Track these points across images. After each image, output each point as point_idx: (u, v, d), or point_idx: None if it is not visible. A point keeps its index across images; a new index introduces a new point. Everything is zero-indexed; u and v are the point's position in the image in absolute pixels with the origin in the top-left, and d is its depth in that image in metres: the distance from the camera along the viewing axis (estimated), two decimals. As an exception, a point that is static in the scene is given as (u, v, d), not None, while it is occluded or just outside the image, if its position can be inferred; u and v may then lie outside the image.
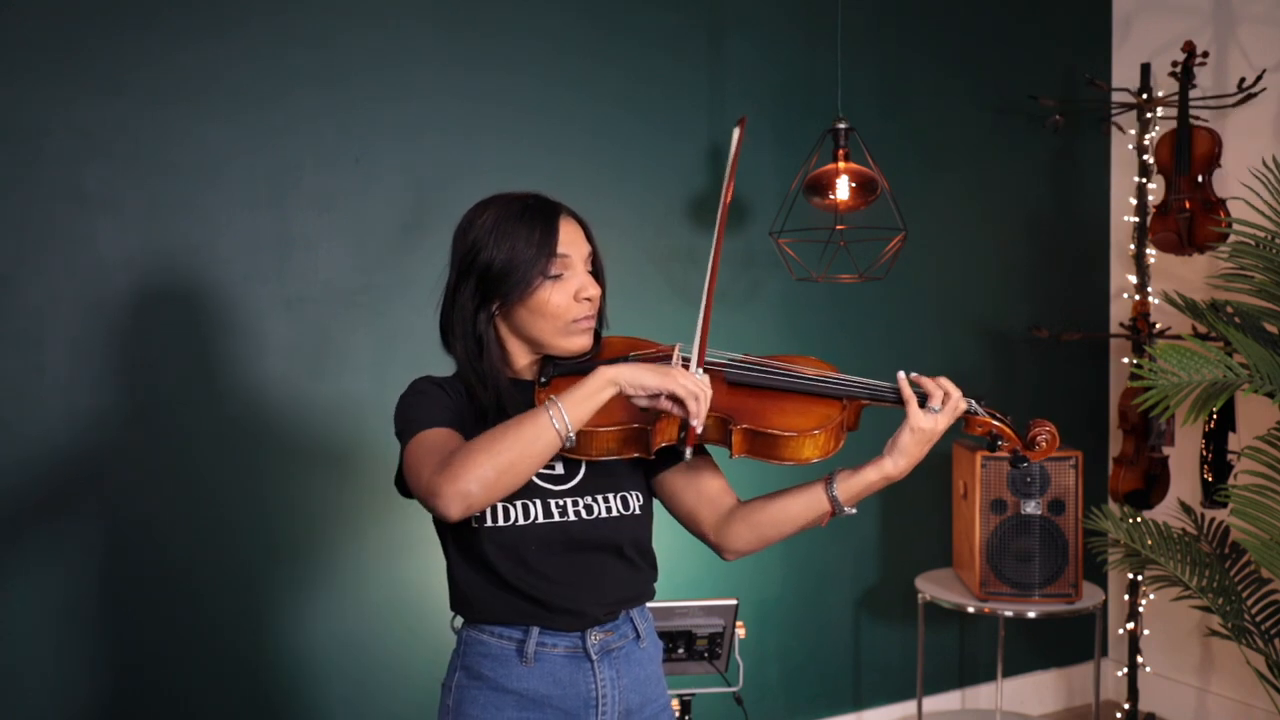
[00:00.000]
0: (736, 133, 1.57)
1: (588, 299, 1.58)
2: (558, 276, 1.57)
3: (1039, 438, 1.54)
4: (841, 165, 2.98)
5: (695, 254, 3.27)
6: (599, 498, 1.58)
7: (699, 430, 1.44)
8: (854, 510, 1.57)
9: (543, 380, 1.60)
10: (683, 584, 3.13)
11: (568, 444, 1.42)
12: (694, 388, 1.43)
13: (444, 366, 1.68)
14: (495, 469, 1.37)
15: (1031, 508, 3.15)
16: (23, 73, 2.50)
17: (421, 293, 2.90)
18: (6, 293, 2.51)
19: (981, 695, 3.79)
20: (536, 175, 2.72)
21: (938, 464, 3.48)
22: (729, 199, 1.54)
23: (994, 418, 1.55)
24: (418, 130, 2.91)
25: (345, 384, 2.85)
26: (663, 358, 1.61)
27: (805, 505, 1.58)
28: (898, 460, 1.53)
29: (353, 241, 2.85)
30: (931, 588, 3.33)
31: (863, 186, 2.98)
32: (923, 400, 1.52)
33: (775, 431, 1.50)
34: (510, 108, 3.01)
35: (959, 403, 1.52)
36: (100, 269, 2.59)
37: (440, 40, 2.93)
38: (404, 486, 1.56)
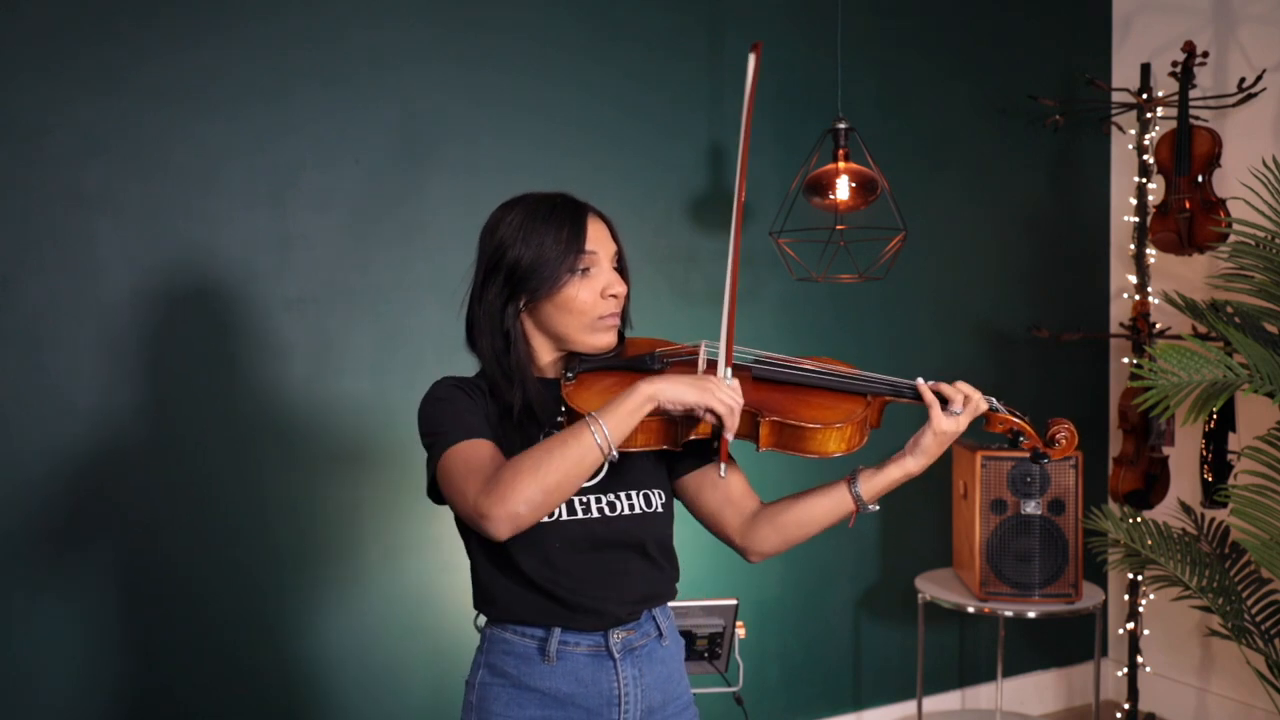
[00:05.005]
0: (752, 60, 1.53)
1: (614, 296, 1.59)
2: (585, 272, 1.57)
3: (1058, 435, 1.58)
4: (841, 165, 2.98)
5: (694, 254, 3.27)
6: (621, 495, 1.59)
7: (731, 439, 1.46)
8: (876, 508, 1.61)
9: (568, 375, 1.59)
10: (683, 584, 3.11)
11: (611, 459, 1.43)
12: (730, 401, 1.45)
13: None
14: (543, 490, 1.39)
15: (1031, 508, 3.15)
16: (23, 73, 2.50)
17: (421, 293, 2.92)
18: (6, 293, 2.51)
19: (981, 695, 3.79)
20: (536, 175, 2.73)
21: (938, 464, 3.45)
22: (747, 142, 1.50)
23: (1014, 415, 1.58)
24: (417, 130, 2.91)
25: (345, 384, 2.85)
26: (690, 358, 1.62)
27: (830, 504, 1.61)
28: (919, 458, 1.58)
29: (353, 241, 2.85)
30: (931, 588, 3.33)
31: (863, 186, 2.98)
32: (943, 404, 1.55)
33: (803, 424, 1.51)
34: (510, 108, 3.01)
35: (979, 403, 1.56)
36: (100, 269, 2.59)
37: (440, 40, 2.93)
38: (437, 495, 1.55)
